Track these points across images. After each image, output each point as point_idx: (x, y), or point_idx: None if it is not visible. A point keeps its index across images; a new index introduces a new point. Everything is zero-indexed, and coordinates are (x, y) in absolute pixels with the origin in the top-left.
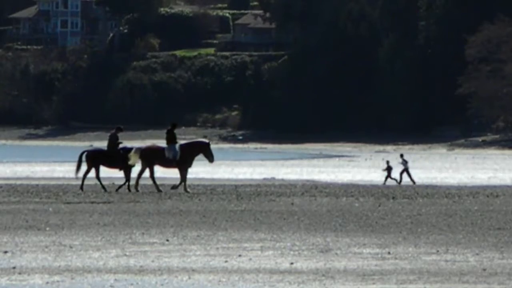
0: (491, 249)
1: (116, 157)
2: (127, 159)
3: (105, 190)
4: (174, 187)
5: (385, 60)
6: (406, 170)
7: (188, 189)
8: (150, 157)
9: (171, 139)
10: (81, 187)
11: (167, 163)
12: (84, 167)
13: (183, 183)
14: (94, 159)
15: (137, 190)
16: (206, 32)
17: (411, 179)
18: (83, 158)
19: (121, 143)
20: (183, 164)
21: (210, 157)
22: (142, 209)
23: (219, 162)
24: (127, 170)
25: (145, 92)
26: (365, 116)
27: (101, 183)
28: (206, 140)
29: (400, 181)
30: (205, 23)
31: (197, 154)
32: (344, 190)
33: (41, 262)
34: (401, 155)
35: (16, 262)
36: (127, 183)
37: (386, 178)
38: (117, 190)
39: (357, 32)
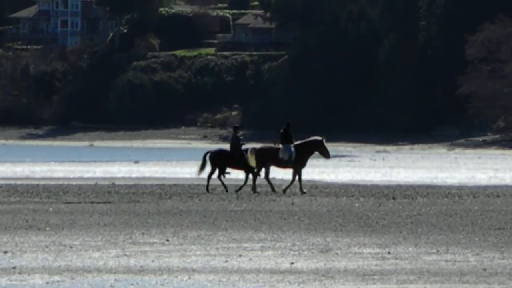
0: (492, 249)
1: (239, 157)
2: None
3: (227, 191)
4: (285, 189)
5: (385, 60)
6: None
7: (304, 190)
8: (265, 157)
9: (286, 139)
10: (207, 188)
11: (282, 163)
12: (208, 167)
13: (298, 184)
14: (218, 159)
15: (256, 192)
16: (206, 32)
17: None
18: (207, 158)
19: (244, 144)
20: (298, 164)
21: (326, 154)
22: (142, 209)
23: None
24: (248, 171)
25: (145, 92)
26: (365, 116)
27: (223, 183)
28: (319, 138)
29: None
30: (205, 23)
31: (312, 153)
32: (344, 190)
33: (41, 262)
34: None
35: (16, 262)
36: (254, 183)
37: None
38: (239, 189)
39: (357, 32)
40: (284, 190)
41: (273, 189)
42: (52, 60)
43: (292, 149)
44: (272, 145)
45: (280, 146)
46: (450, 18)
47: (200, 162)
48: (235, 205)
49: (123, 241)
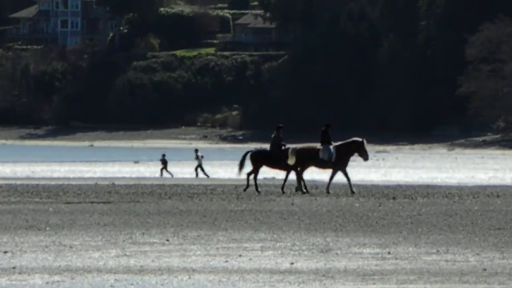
0: (492, 249)
1: (280, 157)
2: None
3: (259, 193)
4: (328, 190)
5: (385, 60)
6: (200, 165)
7: (354, 190)
8: (305, 157)
9: (326, 140)
10: (256, 188)
11: (322, 164)
12: (248, 167)
13: (348, 184)
14: (258, 159)
15: (306, 191)
16: (206, 32)
17: (205, 174)
18: (247, 158)
19: (284, 144)
20: (339, 165)
21: (364, 155)
22: (142, 209)
23: (219, 162)
24: (288, 171)
25: (145, 92)
26: (365, 116)
27: (256, 184)
28: (360, 139)
29: (196, 175)
30: (205, 23)
31: (352, 154)
32: (344, 190)
33: (41, 262)
34: (196, 150)
35: (16, 262)
36: (298, 183)
37: (162, 170)
38: (282, 188)
39: (357, 32)
40: (327, 191)
41: (306, 190)
42: (52, 60)
43: (333, 149)
44: (313, 145)
45: (320, 146)
46: (450, 18)
47: (239, 162)
48: (235, 205)
49: (123, 241)
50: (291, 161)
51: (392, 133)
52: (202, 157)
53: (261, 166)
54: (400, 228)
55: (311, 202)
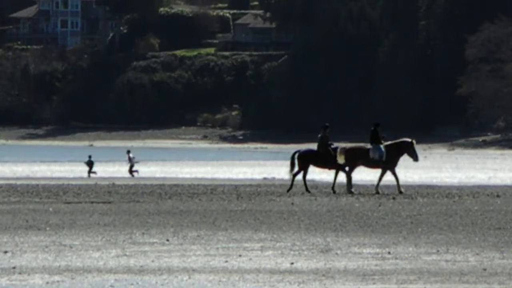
0: (492, 249)
1: (328, 157)
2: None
3: (309, 192)
4: (377, 191)
5: (385, 60)
6: (132, 166)
7: (402, 189)
8: (355, 157)
9: (376, 139)
10: (306, 188)
11: (372, 164)
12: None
13: (396, 184)
14: (306, 159)
15: (352, 193)
16: (206, 32)
17: (132, 175)
18: (295, 158)
19: (332, 144)
20: (389, 165)
21: (414, 156)
22: (142, 209)
23: (219, 162)
24: (337, 170)
25: (145, 92)
26: (365, 116)
27: (305, 184)
28: (409, 139)
29: (132, 176)
30: (205, 23)
31: (402, 154)
32: (344, 190)
33: (41, 262)
34: (128, 151)
35: (16, 262)
36: (348, 183)
37: (89, 172)
38: (332, 188)
39: (357, 32)
40: (377, 191)
41: (350, 191)
42: (52, 60)
43: (383, 149)
44: (362, 144)
45: (370, 146)
46: (450, 18)
47: (289, 162)
48: (235, 205)
49: (123, 241)
50: (340, 160)
51: (392, 133)
52: (133, 158)
53: (308, 166)
54: (400, 228)
55: (311, 202)
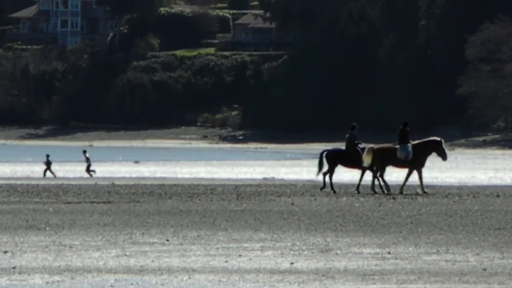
0: (492, 249)
1: (355, 156)
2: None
3: (335, 192)
4: (402, 191)
5: (385, 60)
6: (89, 166)
7: (426, 190)
8: (383, 157)
9: (404, 139)
10: (332, 187)
11: (399, 163)
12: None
13: (421, 185)
14: (334, 159)
15: (375, 192)
16: (206, 32)
17: (89, 173)
18: (324, 158)
19: (360, 143)
20: (416, 164)
21: (443, 155)
22: (142, 209)
23: (219, 162)
24: (364, 170)
25: (145, 92)
26: (365, 116)
27: (331, 183)
28: (438, 138)
29: (90, 176)
30: (205, 23)
31: (430, 153)
32: (344, 190)
33: (41, 262)
34: (84, 151)
35: (16, 262)
36: (373, 183)
37: (45, 171)
38: (357, 188)
39: (357, 32)
40: (401, 192)
41: (387, 189)
42: (52, 60)
43: (410, 148)
44: (390, 144)
45: (398, 145)
46: (450, 18)
47: (317, 162)
48: (235, 205)
49: (123, 241)
50: (367, 160)
51: (392, 133)
52: (88, 159)
53: (336, 165)
54: (400, 228)
55: (311, 202)
